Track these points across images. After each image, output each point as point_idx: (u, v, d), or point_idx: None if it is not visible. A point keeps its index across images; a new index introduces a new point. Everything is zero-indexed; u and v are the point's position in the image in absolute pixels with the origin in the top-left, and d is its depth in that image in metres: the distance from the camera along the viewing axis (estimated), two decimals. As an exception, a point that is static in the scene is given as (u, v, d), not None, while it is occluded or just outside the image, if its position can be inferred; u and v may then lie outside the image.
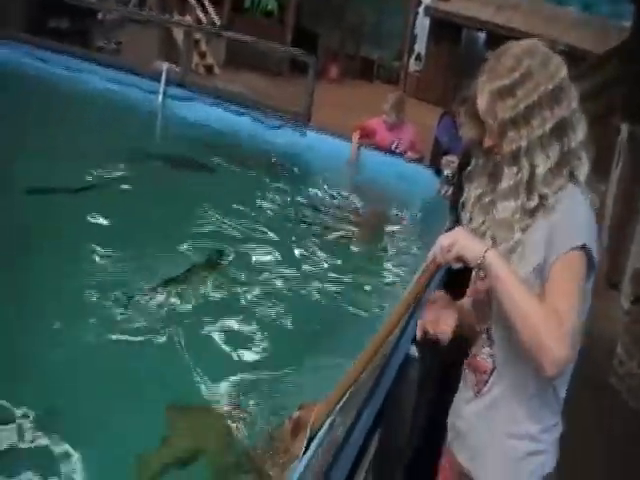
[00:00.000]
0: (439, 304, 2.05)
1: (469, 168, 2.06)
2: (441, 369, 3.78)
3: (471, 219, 2.03)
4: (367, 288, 4.76)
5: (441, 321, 2.01)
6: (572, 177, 1.86)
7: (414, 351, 2.91)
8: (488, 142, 1.92)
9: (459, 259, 1.86)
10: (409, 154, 6.92)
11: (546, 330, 1.69)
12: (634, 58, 7.66)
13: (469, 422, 2.06)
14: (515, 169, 1.85)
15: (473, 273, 2.11)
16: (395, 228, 6.19)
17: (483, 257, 1.79)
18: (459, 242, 1.84)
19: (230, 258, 4.72)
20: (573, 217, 1.82)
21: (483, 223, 1.99)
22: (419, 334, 2.03)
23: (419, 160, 7.01)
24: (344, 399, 2.04)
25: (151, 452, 2.78)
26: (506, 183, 1.88)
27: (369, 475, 2.62)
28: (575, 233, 1.79)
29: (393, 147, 7.00)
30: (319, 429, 1.98)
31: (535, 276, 1.83)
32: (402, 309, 2.00)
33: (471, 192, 2.04)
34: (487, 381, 1.99)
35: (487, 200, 1.99)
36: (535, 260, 1.83)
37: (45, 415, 2.84)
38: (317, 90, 8.23)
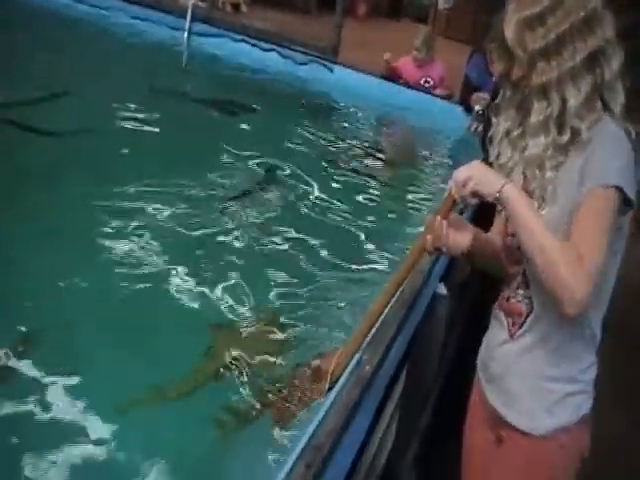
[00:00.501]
0: (453, 225, 1.97)
1: (496, 100, 1.98)
2: (471, 306, 3.76)
3: (499, 154, 1.96)
4: (395, 224, 4.74)
5: (453, 236, 1.96)
6: (606, 109, 1.78)
7: (443, 289, 2.88)
8: (517, 73, 1.83)
9: (475, 194, 1.80)
10: (438, 91, 6.78)
11: (565, 266, 1.64)
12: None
13: (503, 365, 2.00)
14: (545, 103, 1.77)
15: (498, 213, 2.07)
16: (424, 165, 6.12)
17: (500, 192, 1.74)
18: (475, 177, 1.78)
19: (260, 191, 4.72)
20: (606, 153, 1.73)
21: (511, 158, 1.92)
22: (429, 248, 1.94)
23: (448, 97, 6.85)
24: (364, 344, 2.01)
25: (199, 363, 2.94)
26: (535, 118, 1.80)
27: (396, 411, 2.62)
28: (607, 170, 1.71)
29: (422, 82, 6.87)
30: (340, 376, 1.95)
31: (568, 217, 1.75)
32: (418, 247, 1.95)
33: (499, 126, 1.96)
34: (523, 324, 1.93)
35: (516, 134, 1.91)
36: (567, 200, 1.76)
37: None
38: (345, 28, 8.07)
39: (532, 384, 1.93)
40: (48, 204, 3.83)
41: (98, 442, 2.49)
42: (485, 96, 5.13)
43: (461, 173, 1.81)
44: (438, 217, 1.90)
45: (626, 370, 4.29)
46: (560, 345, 1.88)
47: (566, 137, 1.77)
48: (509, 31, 1.78)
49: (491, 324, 2.10)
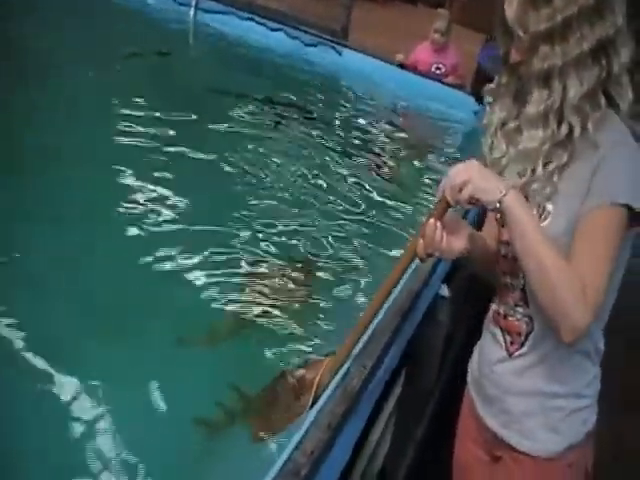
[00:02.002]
0: (449, 227, 1.74)
1: (491, 86, 1.82)
2: (475, 309, 3.60)
3: (492, 147, 1.78)
4: (397, 215, 4.56)
5: (448, 240, 1.72)
6: (612, 105, 1.61)
7: (445, 290, 2.74)
8: (515, 57, 1.65)
9: (473, 201, 1.59)
10: (450, 78, 6.59)
11: (567, 293, 1.51)
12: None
13: (501, 385, 1.85)
14: (546, 92, 1.59)
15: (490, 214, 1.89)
16: (431, 155, 5.93)
17: (501, 201, 1.55)
18: (473, 181, 1.57)
19: (263, 176, 4.55)
20: (617, 166, 1.56)
21: (506, 153, 1.75)
22: (421, 254, 1.72)
23: (460, 86, 6.65)
24: (354, 354, 1.86)
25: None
26: (534, 108, 1.62)
27: (392, 417, 2.49)
28: (618, 187, 1.54)
29: (434, 69, 6.67)
30: (326, 388, 1.79)
31: (572, 229, 1.59)
32: (409, 252, 1.74)
33: (493, 115, 1.80)
34: (523, 343, 1.78)
35: (512, 126, 1.73)
36: (572, 212, 1.60)
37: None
38: (360, 11, 7.92)
39: (535, 403, 1.79)
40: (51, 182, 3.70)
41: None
42: None
43: (457, 175, 1.60)
44: (431, 220, 1.69)
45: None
46: (562, 360, 1.75)
47: (564, 131, 1.60)
48: (510, 9, 1.60)
49: (484, 337, 1.95)
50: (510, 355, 1.81)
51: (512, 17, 1.59)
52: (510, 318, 1.81)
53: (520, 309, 1.78)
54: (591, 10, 1.53)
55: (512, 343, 1.81)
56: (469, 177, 1.57)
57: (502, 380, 1.84)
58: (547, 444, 1.79)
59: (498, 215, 1.68)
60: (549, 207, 1.65)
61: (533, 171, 1.68)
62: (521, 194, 1.62)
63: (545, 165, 1.64)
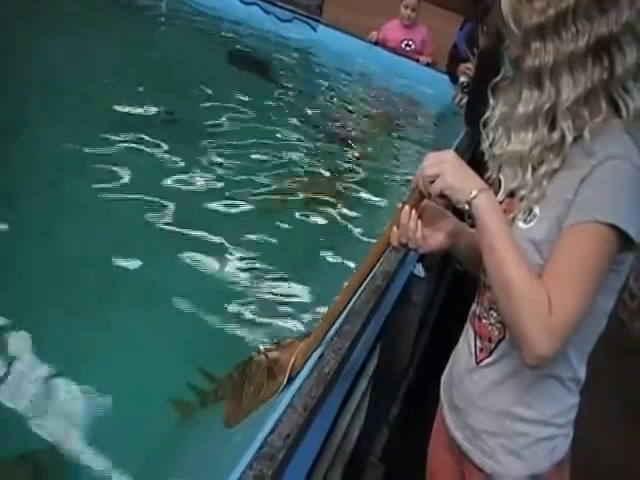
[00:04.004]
0: (427, 216, 1.65)
1: (497, 79, 1.63)
2: (450, 291, 3.60)
3: (492, 142, 1.63)
4: (370, 197, 4.49)
5: (425, 230, 1.62)
6: (617, 112, 1.45)
7: (420, 270, 2.70)
8: (514, 52, 1.51)
9: (443, 196, 1.49)
10: (422, 58, 6.57)
11: (529, 316, 1.36)
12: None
13: (468, 397, 1.73)
14: (536, 93, 1.46)
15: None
16: (403, 134, 5.92)
17: (471, 201, 1.44)
18: (445, 176, 1.46)
19: (233, 153, 4.45)
20: (610, 180, 1.39)
21: (506, 150, 1.60)
22: (394, 243, 1.62)
23: (430, 64, 6.64)
24: (328, 336, 1.80)
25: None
26: (523, 109, 1.49)
27: (364, 399, 2.47)
28: (606, 202, 1.38)
29: (404, 45, 6.66)
30: (300, 370, 1.75)
31: (549, 233, 1.46)
32: (383, 241, 1.65)
33: (496, 109, 1.62)
34: (492, 351, 1.65)
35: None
36: (557, 220, 1.44)
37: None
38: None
39: (499, 423, 1.67)
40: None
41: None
42: (472, 68, 4.93)
43: (430, 167, 1.49)
44: (406, 207, 1.58)
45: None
46: (534, 383, 1.60)
47: (557, 136, 1.46)
48: (505, 2, 1.46)
49: (461, 338, 1.83)
50: (478, 363, 1.70)
51: (505, 10, 1.46)
52: (484, 321, 1.69)
53: (494, 312, 1.65)
54: (591, 4, 1.38)
55: (481, 350, 1.69)
56: (441, 171, 1.47)
57: (469, 392, 1.73)
58: (510, 469, 1.67)
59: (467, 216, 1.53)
60: (536, 210, 1.51)
61: (524, 173, 1.56)
62: (493, 198, 1.50)
63: (535, 168, 1.52)
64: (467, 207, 1.45)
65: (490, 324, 1.66)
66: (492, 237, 1.43)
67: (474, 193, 1.44)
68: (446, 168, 1.47)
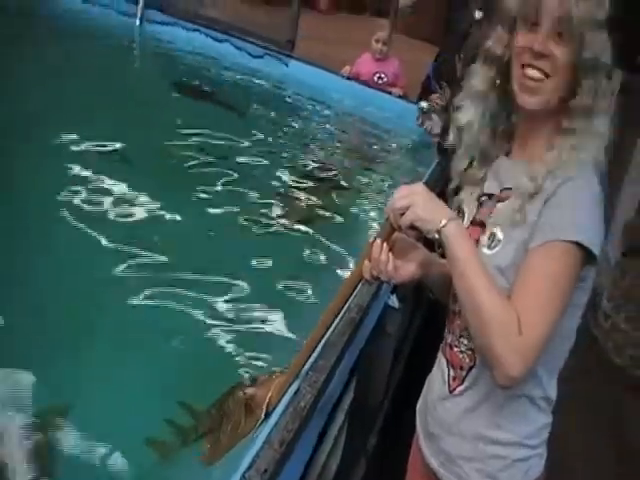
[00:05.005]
0: (398, 249, 1.68)
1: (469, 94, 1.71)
2: (424, 321, 3.64)
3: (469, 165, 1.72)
4: (344, 231, 4.52)
5: (396, 263, 1.65)
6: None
7: (394, 301, 2.73)
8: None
9: (414, 227, 1.53)
10: (395, 90, 6.67)
11: (500, 337, 1.41)
12: (627, 5, 7.36)
13: (442, 424, 1.76)
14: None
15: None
16: (376, 166, 5.98)
17: (440, 230, 1.48)
18: (415, 206, 1.50)
19: (207, 185, 4.48)
20: (570, 199, 1.47)
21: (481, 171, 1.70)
22: (367, 276, 1.65)
23: (403, 96, 6.73)
24: (304, 370, 1.82)
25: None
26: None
27: (342, 432, 2.48)
28: (568, 221, 1.46)
29: (376, 78, 6.74)
30: (277, 405, 1.76)
31: (515, 257, 1.52)
32: (355, 275, 1.68)
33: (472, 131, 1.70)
34: (464, 379, 1.69)
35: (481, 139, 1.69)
36: (519, 238, 1.52)
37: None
38: (306, 21, 7.95)
39: (474, 447, 1.69)
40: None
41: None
42: (441, 101, 5.01)
43: (400, 199, 1.52)
44: (378, 240, 1.61)
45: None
46: (506, 404, 1.64)
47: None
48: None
49: (435, 367, 1.87)
50: (451, 392, 1.73)
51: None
52: (455, 349, 1.73)
53: (464, 340, 1.69)
54: None
55: (454, 379, 1.73)
56: (411, 202, 1.51)
57: (443, 419, 1.76)
58: None
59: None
60: (500, 235, 1.57)
61: (490, 197, 1.66)
62: (462, 226, 1.57)
63: (502, 191, 1.61)
64: (437, 236, 1.49)
65: (461, 352, 1.70)
66: (462, 264, 1.47)
67: (443, 222, 1.48)
68: (416, 200, 1.51)
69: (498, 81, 1.65)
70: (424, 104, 5.09)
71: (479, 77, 1.68)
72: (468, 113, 1.69)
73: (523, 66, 1.55)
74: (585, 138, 1.54)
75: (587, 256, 1.46)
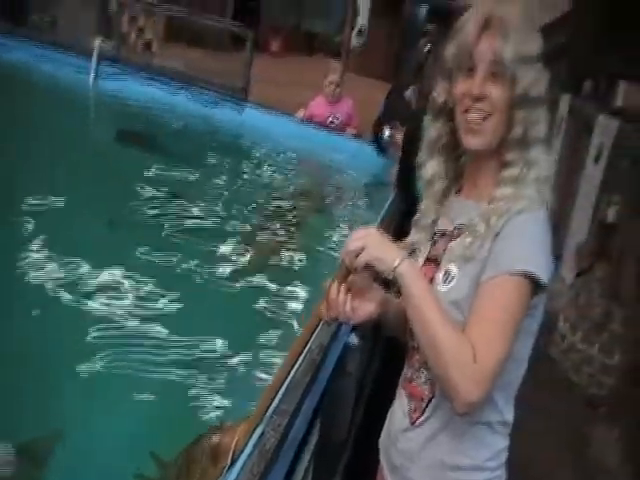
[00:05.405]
0: (356, 290, 1.72)
1: (426, 142, 1.81)
2: (384, 357, 3.69)
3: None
4: (303, 274, 4.61)
5: (353, 304, 1.70)
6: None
7: (354, 339, 2.78)
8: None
9: (369, 268, 1.61)
10: (348, 130, 6.80)
11: (456, 367, 1.48)
12: (576, 30, 7.63)
13: (405, 454, 1.82)
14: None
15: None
16: (334, 208, 6.12)
17: (395, 270, 1.55)
18: (369, 249, 1.58)
19: (165, 237, 4.58)
20: (517, 232, 1.57)
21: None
22: (325, 317, 1.72)
23: (357, 135, 6.85)
24: (267, 415, 1.86)
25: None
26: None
27: (308, 474, 2.51)
28: (516, 253, 1.55)
29: (329, 121, 6.84)
30: (242, 452, 1.80)
31: (469, 291, 1.59)
32: (315, 316, 1.78)
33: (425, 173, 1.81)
34: (424, 410, 1.76)
35: (442, 185, 1.79)
36: (472, 272, 1.59)
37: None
38: (259, 64, 8.06)
39: (437, 474, 1.74)
40: None
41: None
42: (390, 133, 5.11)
43: (354, 241, 1.60)
44: (335, 282, 1.67)
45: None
46: (463, 432, 1.70)
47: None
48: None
49: (395, 401, 1.92)
50: (412, 423, 1.78)
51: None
52: (414, 382, 1.79)
53: (424, 373, 1.75)
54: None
55: (415, 410, 1.78)
56: (365, 244, 1.57)
57: (406, 449, 1.80)
58: None
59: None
60: (454, 271, 1.64)
61: (443, 234, 1.75)
62: (415, 265, 1.65)
63: (455, 229, 1.71)
64: (392, 275, 1.56)
65: (420, 384, 1.77)
66: (417, 300, 1.54)
67: (397, 262, 1.55)
68: (369, 242, 1.58)
69: (447, 128, 1.76)
70: (387, 132, 5.18)
71: (431, 129, 1.79)
72: (431, 167, 1.80)
73: (465, 109, 1.65)
74: (523, 169, 1.64)
75: (536, 285, 1.54)
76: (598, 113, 6.20)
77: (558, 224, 6.95)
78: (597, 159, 5.93)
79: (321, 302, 1.73)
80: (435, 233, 1.80)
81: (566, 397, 4.65)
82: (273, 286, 4.29)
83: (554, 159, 1.72)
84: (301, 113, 6.94)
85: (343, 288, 1.68)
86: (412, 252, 1.81)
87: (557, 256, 6.80)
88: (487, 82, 1.62)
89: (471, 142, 1.67)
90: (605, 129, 5.82)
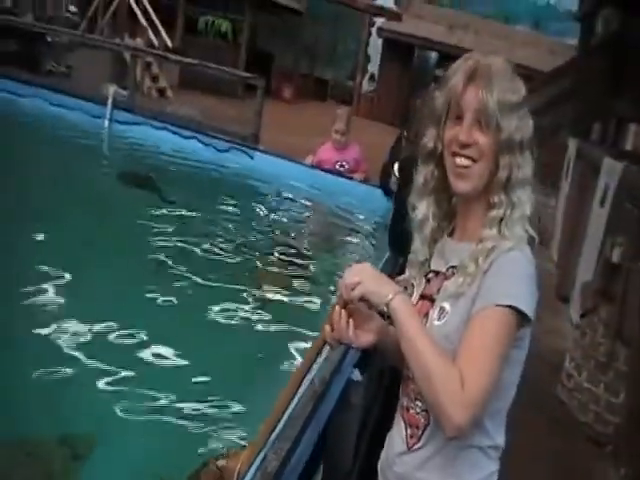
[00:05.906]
0: (357, 315, 1.78)
1: (417, 184, 1.90)
2: (387, 393, 3.74)
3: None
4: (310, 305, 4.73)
5: (355, 328, 1.76)
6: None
7: (357, 375, 2.85)
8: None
9: (364, 301, 1.70)
10: (356, 175, 6.89)
11: (445, 394, 1.56)
12: (582, 75, 7.78)
13: (401, 476, 1.88)
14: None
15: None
16: (342, 250, 6.21)
17: (388, 303, 1.63)
18: (363, 283, 1.66)
19: (179, 282, 4.65)
20: (504, 267, 1.66)
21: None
22: (328, 339, 1.78)
23: (365, 180, 6.95)
24: (270, 440, 1.95)
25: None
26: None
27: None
28: (503, 288, 1.64)
29: (337, 166, 6.90)
30: (246, 473, 1.89)
31: (460, 326, 1.67)
32: (319, 339, 1.83)
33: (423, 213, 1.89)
34: (420, 437, 1.83)
35: (435, 225, 1.88)
36: (464, 308, 1.68)
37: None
38: (271, 111, 8.16)
39: None
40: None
41: None
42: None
43: (350, 275, 1.68)
44: (337, 307, 1.74)
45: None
46: (456, 455, 1.77)
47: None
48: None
49: (394, 426, 1.97)
50: (409, 448, 1.83)
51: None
52: (411, 411, 1.84)
53: (419, 402, 1.81)
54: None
55: (411, 437, 1.83)
56: (360, 279, 1.65)
57: (402, 472, 1.86)
58: None
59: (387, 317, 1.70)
60: (447, 308, 1.72)
61: (437, 274, 1.84)
62: (407, 299, 1.72)
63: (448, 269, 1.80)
64: (385, 309, 1.64)
65: (417, 413, 1.84)
66: (408, 332, 1.62)
67: (390, 296, 1.63)
68: (364, 276, 1.67)
69: (436, 172, 1.86)
70: (394, 177, 5.23)
71: (422, 173, 1.89)
72: (421, 209, 1.89)
73: (453, 155, 1.76)
74: (507, 210, 1.74)
75: (522, 318, 1.62)
76: (604, 156, 6.30)
77: (567, 266, 7.03)
78: (603, 201, 6.01)
79: (324, 325, 1.80)
80: (429, 272, 1.89)
81: (573, 435, 4.67)
82: (282, 322, 4.38)
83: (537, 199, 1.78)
84: (310, 159, 7.01)
85: (344, 313, 1.76)
86: (406, 288, 1.90)
87: (565, 297, 6.86)
88: (474, 129, 1.72)
89: (459, 186, 1.77)
90: (611, 171, 5.91)
